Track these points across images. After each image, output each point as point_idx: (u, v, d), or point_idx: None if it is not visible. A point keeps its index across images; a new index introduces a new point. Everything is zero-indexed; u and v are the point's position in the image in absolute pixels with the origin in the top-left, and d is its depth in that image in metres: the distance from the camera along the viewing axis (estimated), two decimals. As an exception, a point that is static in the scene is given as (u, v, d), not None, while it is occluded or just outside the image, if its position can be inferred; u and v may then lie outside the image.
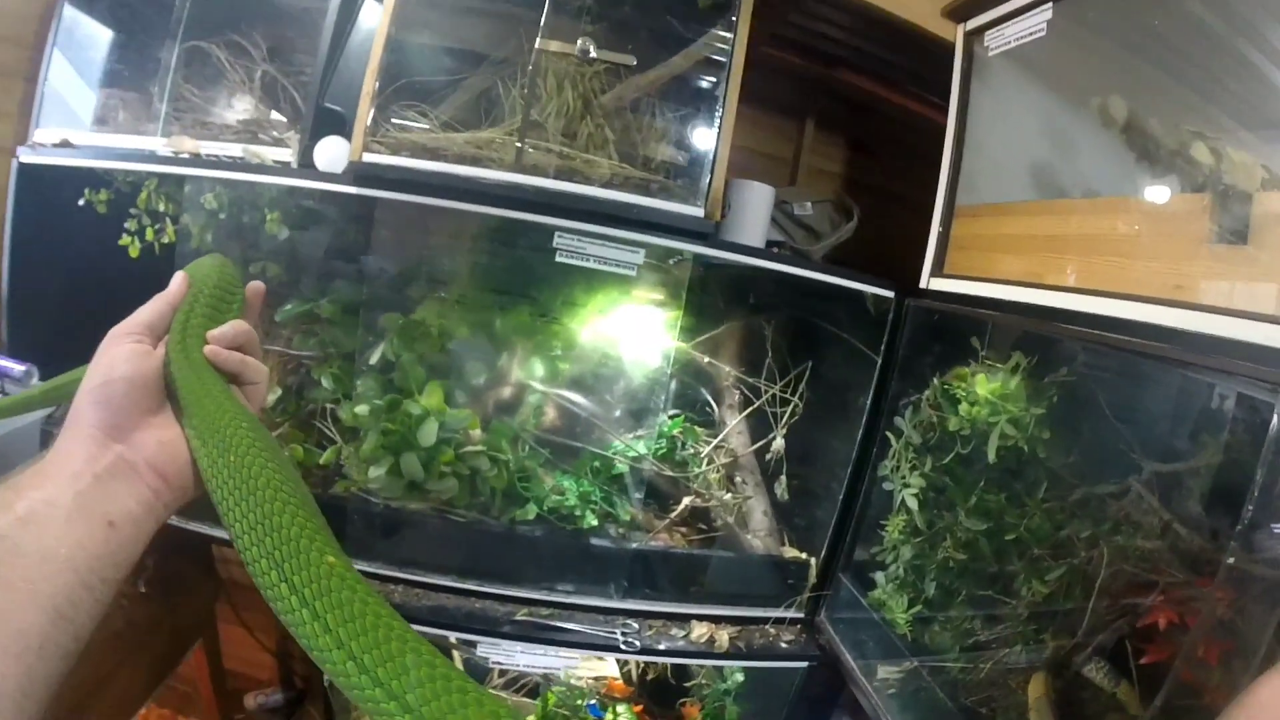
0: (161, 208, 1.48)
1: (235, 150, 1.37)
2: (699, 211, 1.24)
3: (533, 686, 1.58)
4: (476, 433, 1.29)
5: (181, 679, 1.73)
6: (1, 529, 0.40)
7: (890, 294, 1.37)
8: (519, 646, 1.26)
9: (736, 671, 1.51)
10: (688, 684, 1.64)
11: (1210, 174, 0.90)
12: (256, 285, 0.66)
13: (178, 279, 0.60)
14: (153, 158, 1.41)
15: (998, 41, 1.25)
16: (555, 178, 1.20)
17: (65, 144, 1.48)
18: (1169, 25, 1.01)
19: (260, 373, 0.58)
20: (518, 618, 1.28)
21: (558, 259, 1.20)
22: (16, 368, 1.22)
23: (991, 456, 1.17)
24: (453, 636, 1.28)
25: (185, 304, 0.58)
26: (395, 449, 1.27)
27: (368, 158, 1.21)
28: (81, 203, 1.50)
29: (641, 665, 1.59)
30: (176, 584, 1.63)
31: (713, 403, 1.53)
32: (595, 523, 1.32)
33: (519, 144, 1.21)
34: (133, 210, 1.49)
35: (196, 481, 0.51)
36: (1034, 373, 1.17)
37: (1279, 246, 0.77)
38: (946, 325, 1.32)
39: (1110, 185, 1.09)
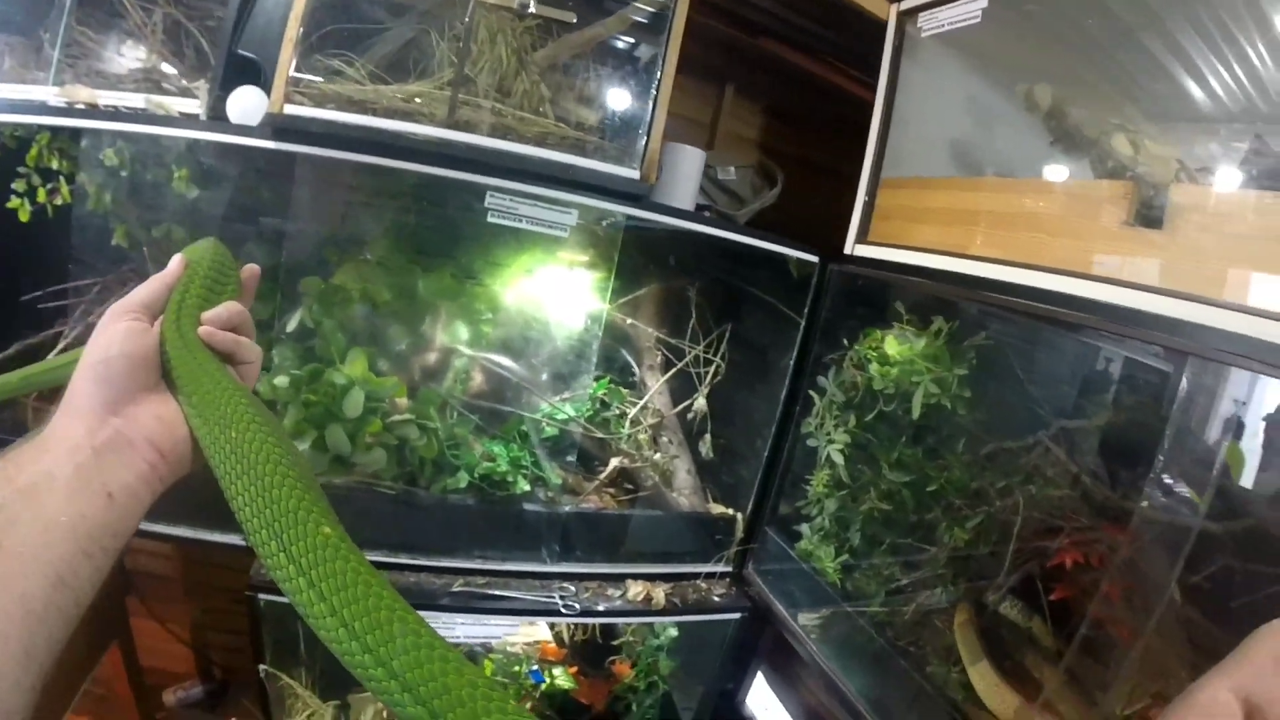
0: (55, 165, 1.34)
1: (137, 101, 1.26)
2: (634, 174, 1.24)
3: (466, 656, 1.57)
4: (403, 401, 1.26)
5: (96, 681, 1.64)
6: (3, 499, 0.41)
7: (814, 259, 1.41)
8: (459, 618, 1.25)
9: (670, 627, 1.54)
10: (615, 642, 1.67)
11: (1130, 163, 0.99)
12: (252, 269, 0.67)
13: (175, 261, 0.61)
14: (44, 109, 1.28)
15: (931, 24, 1.29)
16: (490, 135, 1.17)
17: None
18: (1098, 23, 1.08)
19: (254, 352, 0.59)
20: (455, 589, 1.27)
21: (489, 219, 1.18)
22: None
23: (915, 413, 1.24)
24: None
25: (181, 285, 0.59)
26: (319, 422, 1.22)
27: (289, 110, 1.13)
28: None
29: (572, 628, 1.61)
30: None
31: (634, 364, 1.54)
32: (527, 488, 1.31)
33: (453, 98, 1.17)
34: (20, 169, 1.35)
35: (193, 457, 0.52)
36: (953, 336, 1.24)
37: (1191, 232, 0.86)
38: (869, 290, 1.38)
39: (1030, 167, 1.17)
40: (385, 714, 1.61)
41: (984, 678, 1.13)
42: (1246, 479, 0.89)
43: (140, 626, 1.88)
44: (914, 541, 1.32)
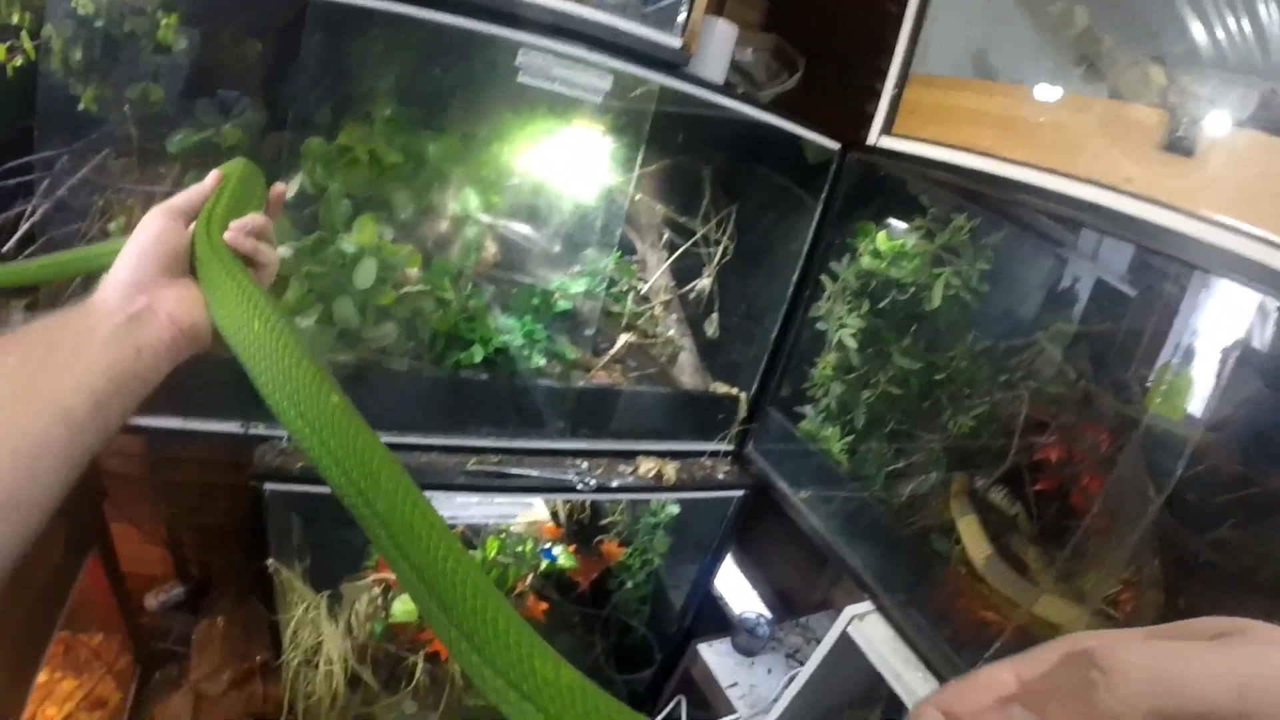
0: (15, 19, 1.21)
1: None
2: (676, 42, 1.18)
3: (461, 538, 1.57)
4: (414, 271, 1.21)
5: (76, 596, 1.57)
6: (54, 338, 0.51)
7: (835, 146, 1.39)
8: (474, 498, 1.24)
9: (670, 505, 1.57)
10: (604, 522, 1.70)
11: (1161, 94, 1.05)
12: (279, 187, 0.76)
13: (212, 175, 0.69)
14: None
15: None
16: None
17: None
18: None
19: (272, 257, 0.67)
20: (469, 468, 1.25)
21: (519, 79, 1.11)
22: None
23: (936, 302, 1.28)
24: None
25: (213, 195, 0.67)
26: (325, 294, 1.16)
27: None
28: None
29: (569, 508, 1.62)
30: None
31: (636, 241, 1.51)
32: (542, 363, 1.29)
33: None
34: None
35: (209, 337, 0.61)
36: (973, 234, 1.27)
37: (1219, 163, 0.95)
38: (888, 183, 1.39)
39: (1051, 83, 1.18)
40: (378, 600, 1.62)
41: (969, 528, 1.20)
42: (1230, 392, 0.98)
43: (116, 533, 1.81)
44: (912, 429, 1.37)
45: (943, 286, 1.27)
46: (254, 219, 0.65)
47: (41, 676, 1.76)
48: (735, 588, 2.04)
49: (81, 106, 1.24)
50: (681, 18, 1.22)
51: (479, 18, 1.10)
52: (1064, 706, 0.27)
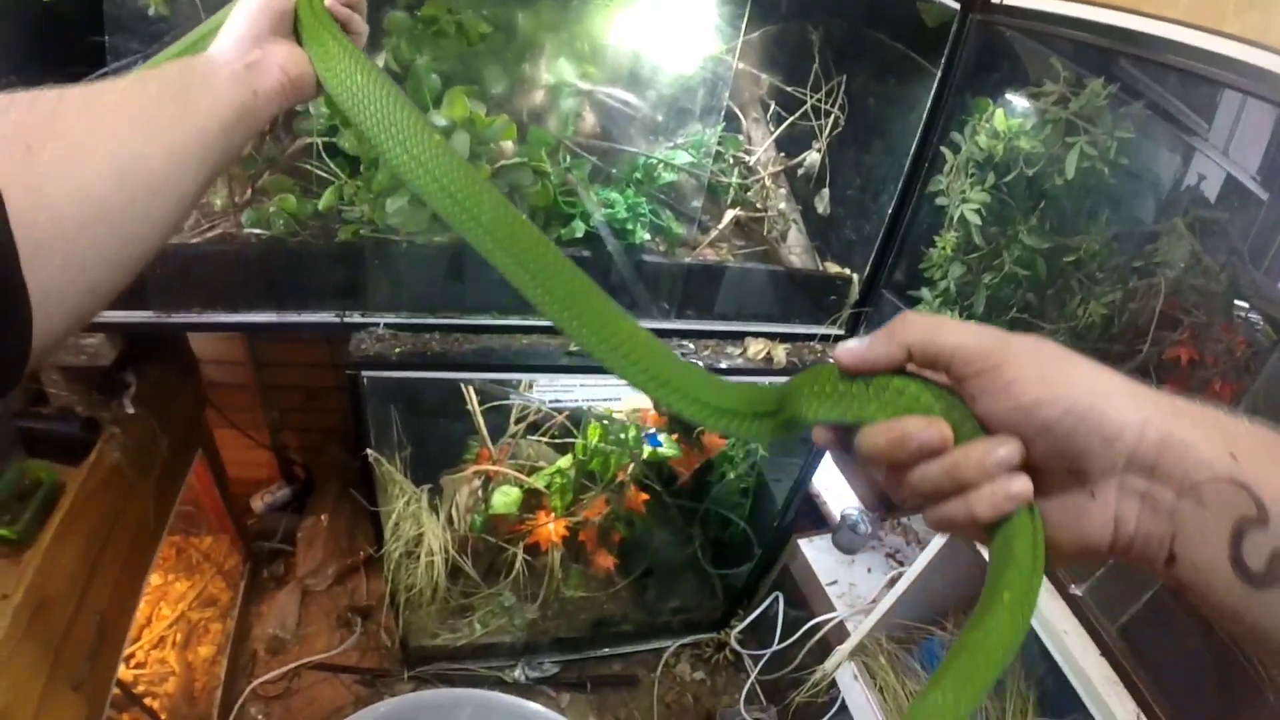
0: None
1: None
2: None
3: (558, 427, 1.54)
4: (509, 145, 1.13)
5: (185, 500, 1.61)
6: (189, 79, 0.57)
7: (955, 5, 1.24)
8: (578, 379, 1.19)
9: (778, 392, 1.50)
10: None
11: None
12: None
13: None
14: None
15: None
16: None
17: None
18: None
19: (363, 26, 0.73)
20: (572, 348, 1.20)
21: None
22: None
23: (1070, 174, 1.14)
24: (523, 381, 1.19)
25: None
26: (416, 172, 1.10)
27: None
28: None
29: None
30: (164, 394, 1.47)
31: (740, 113, 1.40)
32: (646, 237, 1.21)
33: None
34: None
35: (315, 89, 0.67)
36: (1112, 101, 1.11)
37: None
38: (1014, 45, 1.25)
39: None
40: (478, 492, 1.62)
41: None
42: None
43: (222, 439, 1.85)
44: (1037, 316, 1.26)
45: (1077, 157, 1.13)
46: None
47: (155, 579, 1.85)
48: (833, 485, 1.99)
49: (151, 10, 1.19)
50: None
51: None
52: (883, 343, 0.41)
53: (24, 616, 0.96)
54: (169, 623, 1.85)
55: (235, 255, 1.19)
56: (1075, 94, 1.14)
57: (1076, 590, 1.07)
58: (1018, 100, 1.26)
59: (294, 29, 0.68)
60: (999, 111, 1.23)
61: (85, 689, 1.10)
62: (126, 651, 1.49)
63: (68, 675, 1.06)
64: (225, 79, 0.59)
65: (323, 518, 2.00)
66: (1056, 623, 1.06)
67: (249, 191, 1.25)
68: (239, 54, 0.62)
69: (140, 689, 1.69)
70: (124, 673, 1.65)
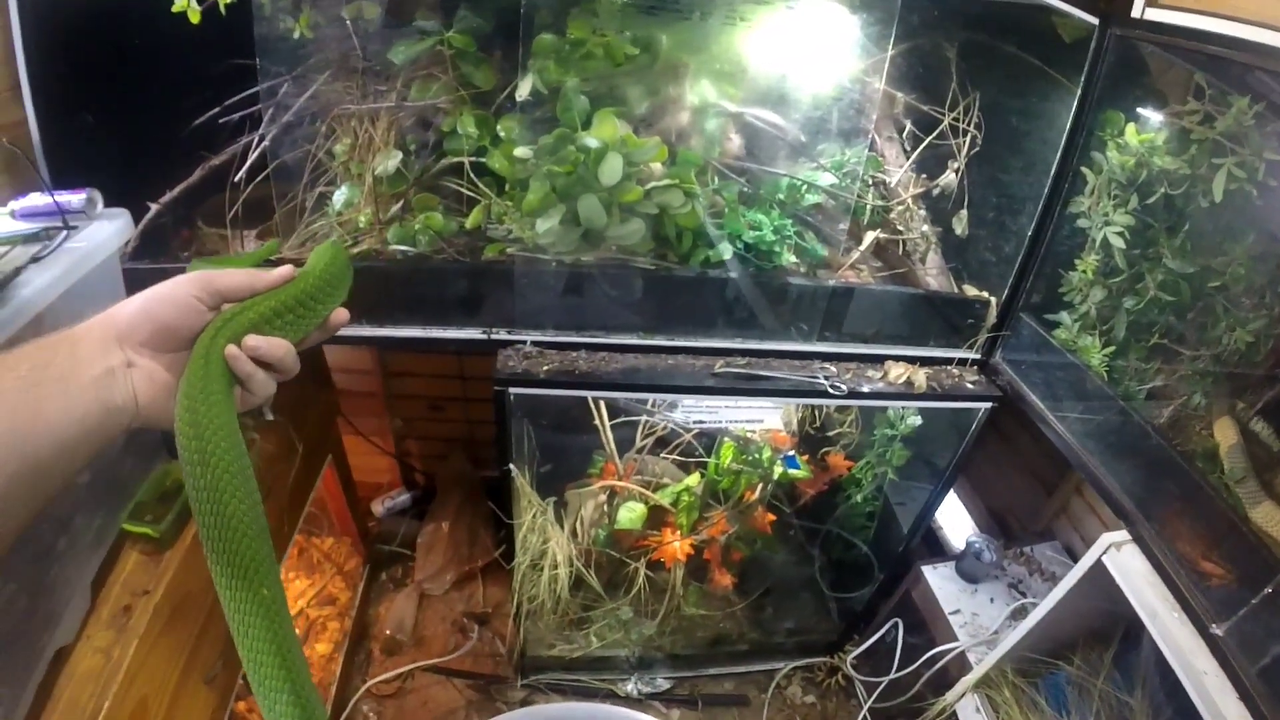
0: None
1: None
2: None
3: (684, 449, 1.55)
4: (658, 166, 1.15)
5: (313, 501, 1.69)
6: (42, 377, 0.50)
7: (1094, 20, 1.20)
8: (723, 401, 1.19)
9: (911, 415, 1.46)
10: (831, 433, 1.62)
11: None
12: (342, 314, 0.71)
13: (282, 270, 0.65)
14: None
15: None
16: None
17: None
18: None
19: (265, 391, 0.63)
20: (717, 370, 1.20)
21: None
22: (75, 198, 1.00)
23: (1218, 195, 1.09)
24: (651, 399, 1.20)
25: (261, 296, 0.63)
26: (568, 194, 1.13)
27: None
28: None
29: (800, 415, 1.55)
30: (301, 403, 1.55)
31: (875, 133, 1.38)
32: (793, 260, 1.21)
33: None
34: None
35: (169, 423, 0.57)
36: (1259, 119, 1.05)
37: None
38: (1155, 60, 1.20)
39: None
40: (603, 506, 1.64)
41: (1264, 511, 1.03)
42: None
43: (348, 444, 1.93)
44: (1172, 343, 1.20)
45: (1224, 179, 1.08)
46: (274, 348, 0.61)
47: (279, 577, 1.94)
48: (951, 512, 1.93)
49: (297, 34, 1.25)
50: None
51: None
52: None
53: (164, 612, 1.01)
54: (288, 618, 1.93)
55: (381, 270, 1.25)
56: (1220, 113, 1.09)
57: (1217, 630, 1.02)
58: (1152, 115, 1.21)
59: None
60: (1130, 125, 1.19)
61: (217, 683, 1.16)
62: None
63: (201, 669, 1.12)
64: (79, 386, 0.52)
65: (444, 524, 2.07)
66: (1196, 663, 1.01)
67: (394, 208, 1.31)
68: (104, 351, 0.55)
69: (258, 682, 1.76)
70: (244, 665, 1.73)
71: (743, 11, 1.17)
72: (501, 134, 1.21)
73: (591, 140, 1.10)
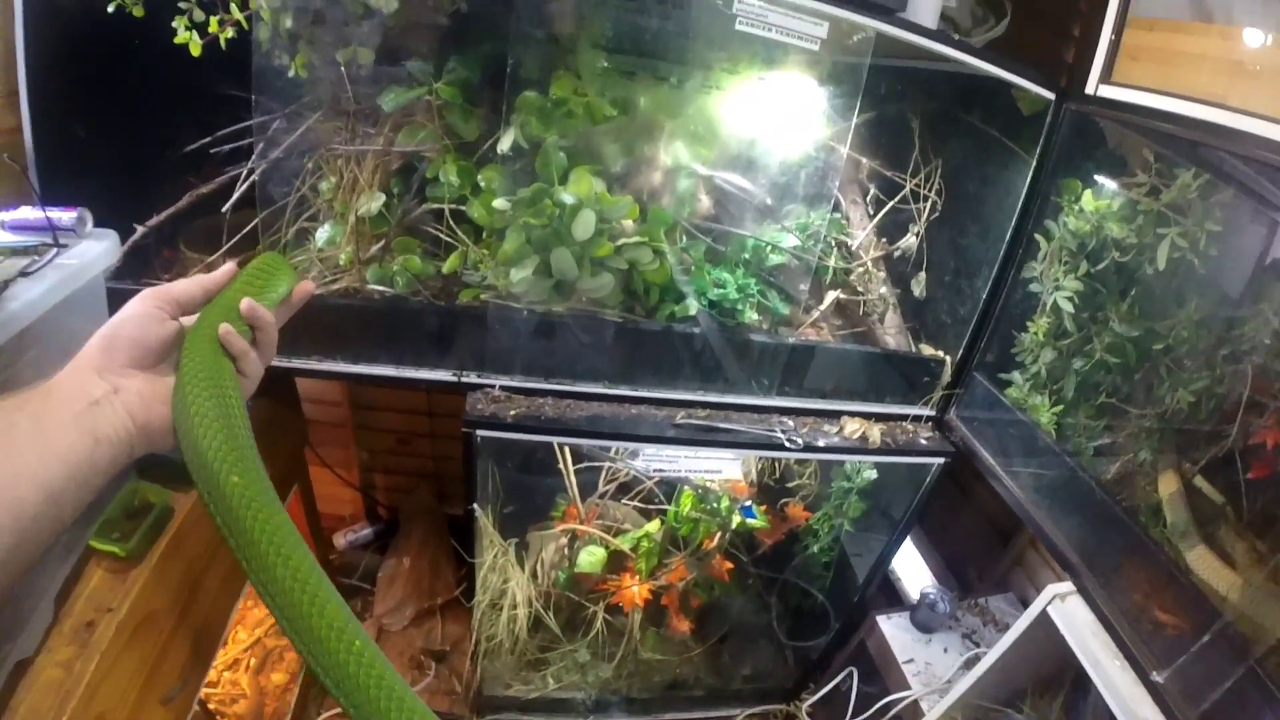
0: None
1: None
2: None
3: (647, 495, 1.58)
4: (629, 223, 1.19)
5: None
6: (16, 422, 0.49)
7: (1050, 95, 1.28)
8: (683, 451, 1.22)
9: (867, 468, 1.51)
10: (790, 484, 1.65)
11: None
12: (306, 286, 0.74)
13: (226, 267, 0.68)
14: None
15: None
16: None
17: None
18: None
19: (256, 368, 0.66)
20: (678, 420, 1.24)
21: (737, 27, 1.07)
22: (66, 215, 1.02)
23: (1161, 265, 1.16)
24: (615, 446, 1.24)
25: (227, 284, 0.66)
26: (542, 246, 1.17)
27: None
28: (111, 8, 1.19)
29: (759, 467, 1.59)
30: (272, 430, 1.56)
31: (842, 196, 1.44)
32: (755, 317, 1.26)
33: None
34: (181, 3, 1.26)
35: (169, 439, 0.59)
36: (1202, 191, 1.13)
37: None
38: (1107, 134, 1.28)
39: None
40: (564, 550, 1.65)
41: (1202, 561, 1.09)
42: None
43: (311, 474, 1.93)
44: (1120, 401, 1.26)
45: (1168, 248, 1.15)
46: (263, 313, 0.64)
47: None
48: (909, 562, 1.97)
49: (292, 73, 1.28)
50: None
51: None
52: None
53: (127, 630, 1.01)
54: (245, 646, 1.91)
55: (358, 309, 1.27)
56: (1165, 185, 1.16)
57: (1158, 677, 1.06)
58: (1107, 182, 1.28)
59: (178, 360, 0.60)
60: (1087, 192, 1.26)
61: (174, 705, 1.15)
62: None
63: (160, 689, 1.11)
64: (60, 425, 0.51)
65: (405, 559, 2.06)
66: (1139, 710, 1.04)
67: (374, 248, 1.34)
68: (83, 388, 0.54)
69: (212, 706, 1.74)
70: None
71: (717, 80, 1.23)
72: (482, 184, 1.25)
73: (567, 196, 1.14)
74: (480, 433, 1.26)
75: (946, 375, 1.43)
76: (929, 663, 1.72)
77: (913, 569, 1.95)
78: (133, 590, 1.04)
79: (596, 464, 1.52)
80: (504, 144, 1.20)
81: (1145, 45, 1.20)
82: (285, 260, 0.76)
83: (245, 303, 0.63)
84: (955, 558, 1.93)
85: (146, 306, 0.60)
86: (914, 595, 1.81)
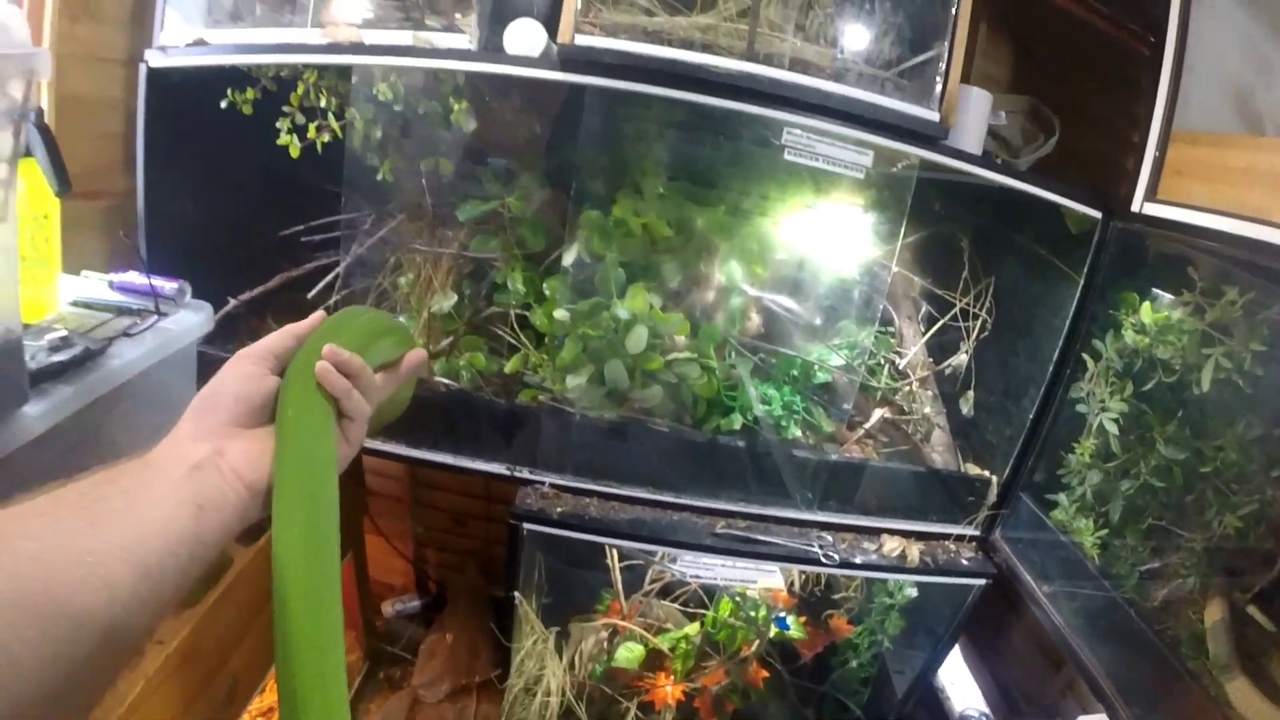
0: (322, 103, 1.39)
1: (403, 37, 1.29)
2: (934, 115, 1.18)
3: (690, 597, 1.59)
4: (681, 338, 1.26)
5: None
6: (106, 494, 0.45)
7: (1097, 215, 1.31)
8: (719, 560, 1.25)
9: (908, 586, 1.50)
10: (836, 596, 1.65)
11: None
12: (419, 354, 0.71)
13: (316, 315, 0.65)
14: (309, 49, 1.29)
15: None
16: (789, 69, 1.13)
17: (200, 43, 1.33)
18: None
19: (362, 413, 0.61)
20: (718, 530, 1.27)
21: (785, 157, 1.14)
22: (168, 285, 1.11)
23: (1205, 385, 1.14)
24: (658, 551, 1.27)
25: (319, 333, 0.63)
26: (597, 356, 1.24)
27: (580, 40, 1.13)
28: (224, 104, 1.36)
29: (803, 578, 1.59)
30: None
31: (894, 313, 1.48)
32: (798, 434, 1.29)
33: (751, 30, 1.13)
34: (285, 108, 1.39)
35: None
36: (1248, 309, 1.12)
37: None
38: (1155, 252, 1.28)
39: None
40: (604, 643, 1.67)
41: (1242, 695, 1.05)
42: None
43: (369, 542, 2.01)
44: (1168, 524, 1.23)
45: (1212, 368, 1.14)
46: (354, 359, 0.60)
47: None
48: (959, 681, 1.91)
49: (380, 177, 1.42)
50: (938, 89, 1.20)
51: (747, 100, 1.14)
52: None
53: (173, 663, 1.07)
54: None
55: (424, 399, 1.35)
56: (1211, 304, 1.15)
57: None
58: (1163, 295, 1.28)
59: (273, 414, 0.57)
60: (1146, 305, 1.25)
61: None
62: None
63: (198, 717, 1.17)
64: (156, 496, 0.47)
65: (448, 635, 2.10)
66: None
67: (444, 343, 1.43)
68: (182, 454, 0.51)
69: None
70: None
71: (768, 205, 1.30)
72: (546, 292, 1.34)
73: (623, 311, 1.22)
74: (527, 526, 1.31)
75: (992, 495, 1.43)
76: (969, 788, 1.66)
77: (962, 685, 1.89)
78: (184, 629, 1.10)
79: (639, 563, 1.55)
80: (567, 258, 1.29)
81: (1190, 159, 1.21)
82: (393, 320, 0.72)
83: (327, 348, 0.59)
84: (1005, 678, 1.87)
85: (244, 366, 0.58)
86: (960, 709, 1.76)
